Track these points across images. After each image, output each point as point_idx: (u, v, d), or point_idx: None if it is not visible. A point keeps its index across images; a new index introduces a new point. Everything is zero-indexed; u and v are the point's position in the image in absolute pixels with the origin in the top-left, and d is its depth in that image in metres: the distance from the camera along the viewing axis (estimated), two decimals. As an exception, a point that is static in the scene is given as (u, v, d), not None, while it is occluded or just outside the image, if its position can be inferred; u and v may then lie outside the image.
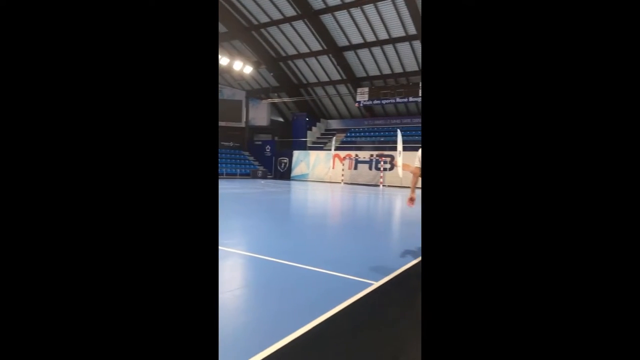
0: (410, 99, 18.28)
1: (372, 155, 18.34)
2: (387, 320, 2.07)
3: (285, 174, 21.11)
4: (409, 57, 17.40)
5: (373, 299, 2.37)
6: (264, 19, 17.83)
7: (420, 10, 14.60)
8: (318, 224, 5.89)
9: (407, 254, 3.68)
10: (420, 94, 17.86)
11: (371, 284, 2.62)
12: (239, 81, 22.55)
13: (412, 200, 3.31)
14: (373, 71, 19.09)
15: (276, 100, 22.44)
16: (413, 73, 18.19)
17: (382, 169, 17.61)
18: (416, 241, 4.48)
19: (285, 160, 21.40)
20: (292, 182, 18.03)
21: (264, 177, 20.73)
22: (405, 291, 2.59)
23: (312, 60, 19.78)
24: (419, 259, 3.47)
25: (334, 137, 20.34)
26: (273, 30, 18.33)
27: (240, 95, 22.01)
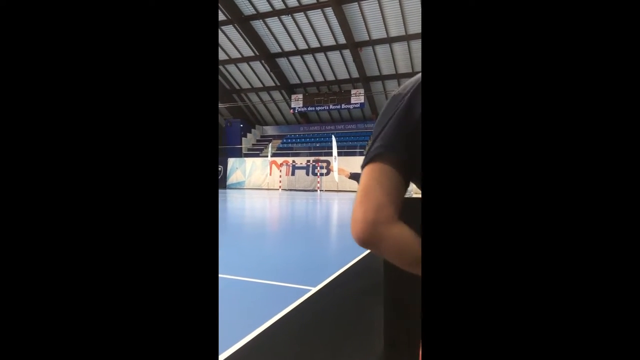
0: (343, 105, 18.95)
1: (308, 161, 18.58)
2: (324, 325, 2.10)
3: (220, 183, 20.39)
4: (340, 65, 18.04)
5: (309, 304, 2.39)
6: (191, 22, 17.11)
7: (347, 21, 15.26)
8: (255, 233, 5.78)
9: (344, 255, 3.79)
10: (351, 101, 18.61)
11: (308, 290, 2.64)
12: (166, 86, 21.26)
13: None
14: (306, 78, 19.41)
15: (208, 106, 21.57)
16: (344, 81, 18.89)
17: (319, 174, 17.93)
18: (352, 242, 4.63)
19: (219, 169, 20.68)
20: (228, 191, 17.46)
21: (197, 186, 19.73)
22: (344, 292, 2.66)
23: (244, 66, 19.46)
24: (357, 258, 3.59)
25: (270, 144, 20.21)
26: (202, 34, 17.67)
27: (168, 101, 20.74)
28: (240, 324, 2.05)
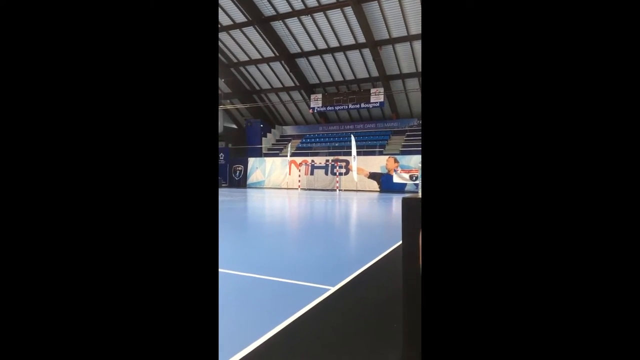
0: (362, 105, 18.82)
1: (327, 161, 18.57)
2: (342, 325, 2.10)
3: (240, 182, 20.67)
4: (360, 64, 17.93)
5: (329, 304, 2.39)
6: (213, 25, 17.42)
7: (367, 20, 15.15)
8: (275, 231, 5.83)
9: (363, 255, 3.77)
10: (371, 100, 18.46)
11: (327, 289, 2.64)
12: (188, 88, 21.72)
13: None
14: (325, 78, 19.41)
15: (229, 106, 21.98)
16: (363, 80, 18.76)
17: (337, 173, 17.89)
18: (371, 242, 4.60)
19: (240, 168, 20.97)
20: (248, 190, 17.70)
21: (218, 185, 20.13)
22: (363, 292, 2.65)
23: (264, 67, 19.66)
24: (376, 259, 3.57)
25: (290, 143, 20.34)
26: (223, 36, 17.99)
27: (191, 102, 21.19)
28: (258, 322, 2.07)
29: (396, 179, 15.39)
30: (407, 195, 1.62)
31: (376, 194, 15.76)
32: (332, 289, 2.66)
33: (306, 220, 7.55)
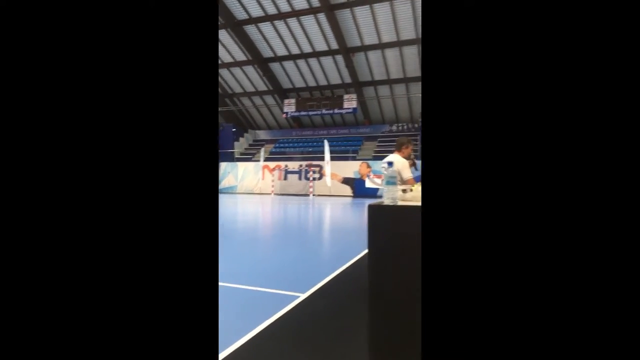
0: (336, 110, 19.00)
1: (301, 166, 18.56)
2: (309, 334, 2.09)
3: (212, 187, 20.18)
4: (333, 70, 18.12)
5: (297, 312, 2.38)
6: (184, 26, 17.03)
7: (340, 26, 15.36)
8: (245, 238, 5.74)
9: (335, 260, 3.78)
10: (344, 106, 18.67)
11: (297, 297, 2.62)
12: (157, 90, 21.08)
13: None
14: (299, 83, 19.45)
15: (200, 110, 21.46)
16: (336, 86, 18.97)
17: (311, 178, 17.92)
18: (342, 248, 4.63)
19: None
20: (220, 196, 17.35)
21: (189, 191, 19.52)
22: (332, 298, 2.65)
23: (237, 70, 19.44)
24: (345, 265, 3.59)
25: (263, 148, 20.17)
26: (194, 38, 17.61)
27: (160, 105, 20.56)
28: (226, 332, 2.03)
29: (368, 184, 15.61)
30: (373, 202, 1.65)
31: (349, 198, 15.90)
32: (302, 296, 2.64)
33: (279, 226, 7.49)
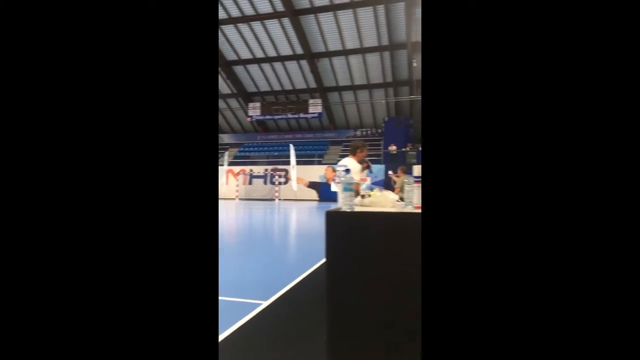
0: (301, 115, 19.04)
1: (266, 170, 18.38)
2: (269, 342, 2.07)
3: (173, 193, 19.43)
4: (298, 75, 18.17)
5: (259, 320, 2.35)
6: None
7: (304, 32, 15.46)
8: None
9: (299, 266, 3.77)
10: (309, 111, 18.76)
11: (259, 304, 2.59)
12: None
13: None
14: (264, 87, 19.31)
15: (160, 113, 20.66)
16: (302, 90, 19.03)
17: (277, 183, 17.78)
18: (306, 253, 4.63)
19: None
20: (182, 201, 16.70)
21: (148, 197, 18.66)
22: (291, 307, 2.64)
23: (199, 73, 18.95)
24: (309, 271, 3.59)
25: (227, 152, 19.75)
26: (153, 38, 16.97)
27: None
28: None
29: (334, 188, 15.77)
30: (331, 208, 1.67)
31: (315, 203, 15.95)
32: (265, 304, 2.61)
33: (243, 232, 7.36)
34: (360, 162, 3.47)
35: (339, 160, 3.39)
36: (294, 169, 16.10)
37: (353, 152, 3.49)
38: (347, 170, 1.83)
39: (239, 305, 2.62)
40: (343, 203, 1.52)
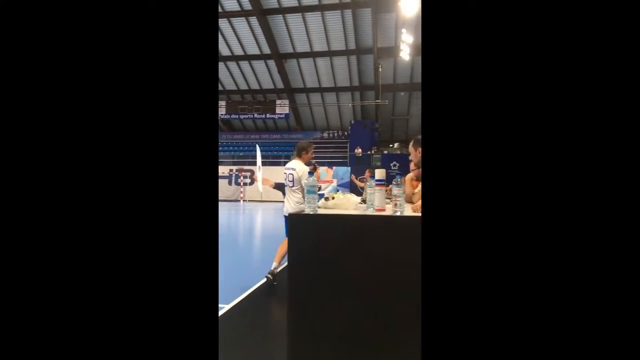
0: (268, 115, 18.87)
1: (231, 170, 18.01)
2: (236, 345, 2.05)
3: (131, 193, 18.50)
4: (265, 74, 18.00)
5: (222, 322, 2.30)
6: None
7: (272, 32, 15.36)
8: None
9: (263, 268, 3.74)
10: (276, 112, 18.64)
11: (221, 308, 2.54)
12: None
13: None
14: (229, 85, 18.93)
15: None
16: (269, 91, 18.87)
17: (242, 184, 17.48)
18: (271, 256, 4.60)
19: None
20: (141, 202, 15.96)
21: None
22: (257, 308, 2.62)
23: (161, 68, 18.23)
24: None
25: (190, 152, 19.10)
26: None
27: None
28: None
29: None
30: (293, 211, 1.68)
31: (281, 204, 15.87)
32: (227, 307, 2.57)
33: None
34: (307, 164, 3.30)
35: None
36: (259, 170, 15.91)
37: (299, 155, 3.31)
38: (311, 173, 1.85)
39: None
40: (306, 205, 1.54)
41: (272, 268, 3.22)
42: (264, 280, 3.24)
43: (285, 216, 3.27)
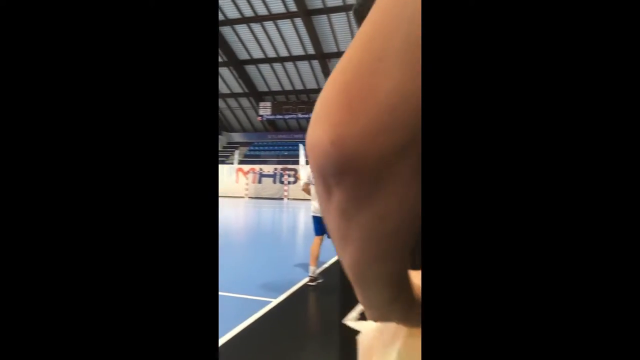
0: (312, 114, 19.11)
1: (276, 169, 18.48)
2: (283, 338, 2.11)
3: (184, 190, 19.65)
4: (309, 75, 18.24)
5: (270, 317, 2.39)
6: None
7: (316, 32, 15.50)
8: (220, 244, 5.66)
9: (307, 265, 3.81)
10: (320, 111, 18.79)
11: (269, 302, 2.63)
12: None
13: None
14: (275, 86, 19.42)
15: (172, 110, 20.92)
16: (312, 91, 19.09)
17: (286, 182, 17.87)
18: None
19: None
20: (192, 198, 16.90)
21: (159, 193, 18.95)
22: (302, 305, 2.67)
23: (211, 72, 19.15)
24: (319, 270, 3.62)
25: (237, 151, 19.93)
26: (168, 37, 17.20)
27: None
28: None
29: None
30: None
31: (324, 202, 15.96)
32: (275, 301, 2.66)
33: (252, 230, 7.43)
34: None
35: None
36: (303, 169, 16.17)
37: None
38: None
39: (246, 302, 2.66)
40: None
41: (309, 273, 3.20)
42: (309, 281, 3.30)
43: (313, 215, 3.30)
